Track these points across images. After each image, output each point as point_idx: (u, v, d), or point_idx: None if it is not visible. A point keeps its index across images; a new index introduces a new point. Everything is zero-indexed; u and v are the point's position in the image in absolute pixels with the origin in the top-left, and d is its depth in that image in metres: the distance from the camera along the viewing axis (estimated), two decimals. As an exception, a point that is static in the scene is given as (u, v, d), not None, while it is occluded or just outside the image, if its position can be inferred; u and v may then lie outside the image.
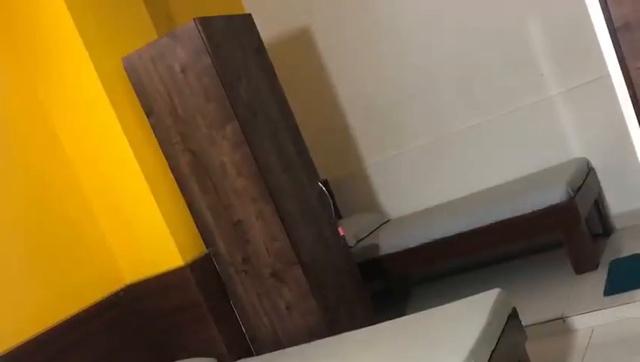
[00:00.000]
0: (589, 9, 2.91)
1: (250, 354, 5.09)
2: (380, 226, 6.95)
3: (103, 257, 5.03)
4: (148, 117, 4.93)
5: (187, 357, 4.95)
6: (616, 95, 2.93)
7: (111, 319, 4.88)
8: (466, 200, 6.56)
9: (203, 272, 4.99)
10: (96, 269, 4.96)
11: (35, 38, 4.89)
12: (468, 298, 4.19)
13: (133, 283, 5.10)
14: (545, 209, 5.57)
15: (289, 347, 4.84)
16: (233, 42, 4.86)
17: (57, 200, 4.87)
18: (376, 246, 6.31)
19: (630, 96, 2.87)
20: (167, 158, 4.97)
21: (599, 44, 2.95)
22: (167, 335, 5.07)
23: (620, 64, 2.87)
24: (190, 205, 5.01)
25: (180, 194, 5.01)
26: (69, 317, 4.62)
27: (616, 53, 2.87)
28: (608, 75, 3.00)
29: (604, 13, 2.86)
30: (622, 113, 2.91)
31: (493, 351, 3.63)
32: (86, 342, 4.64)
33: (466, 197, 6.69)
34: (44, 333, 4.43)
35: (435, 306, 4.32)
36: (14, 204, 4.59)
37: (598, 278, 5.36)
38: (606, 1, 2.83)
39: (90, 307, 4.78)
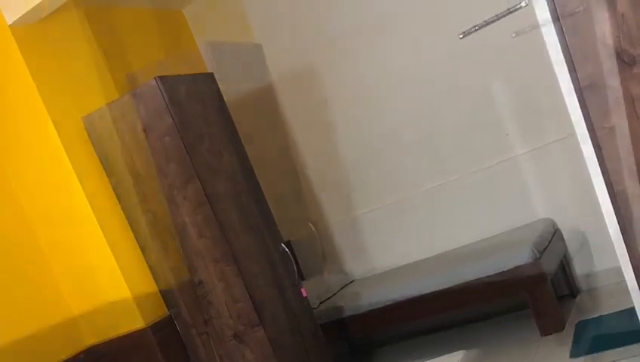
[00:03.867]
0: (555, 69, 2.92)
1: (211, 419, 5.01)
2: (344, 287, 6.90)
3: (62, 319, 4.94)
4: (109, 177, 4.88)
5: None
6: (581, 155, 2.93)
7: (71, 382, 4.80)
8: (431, 260, 6.54)
9: (165, 334, 4.92)
10: (56, 331, 4.87)
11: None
12: (432, 360, 4.15)
13: (93, 345, 5.00)
14: (510, 270, 5.55)
15: (251, 411, 4.79)
16: (196, 101, 4.83)
17: (16, 261, 4.78)
18: (340, 308, 6.26)
19: (596, 156, 2.87)
20: (127, 219, 4.92)
21: (564, 104, 2.96)
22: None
23: (586, 123, 2.88)
24: (151, 266, 4.95)
25: (142, 255, 4.95)
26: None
27: (582, 112, 2.87)
28: (573, 135, 3.01)
29: (570, 72, 2.87)
30: (587, 173, 2.90)
31: (458, 416, 3.60)
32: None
33: (431, 257, 6.67)
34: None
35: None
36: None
37: (564, 340, 5.33)
38: (572, 61, 2.83)
39: (51, 369, 4.70)
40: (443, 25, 6.19)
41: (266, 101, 7.16)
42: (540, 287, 5.48)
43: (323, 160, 7.06)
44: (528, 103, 6.12)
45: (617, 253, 3.02)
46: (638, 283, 3.03)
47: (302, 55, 6.89)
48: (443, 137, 6.53)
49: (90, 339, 5.03)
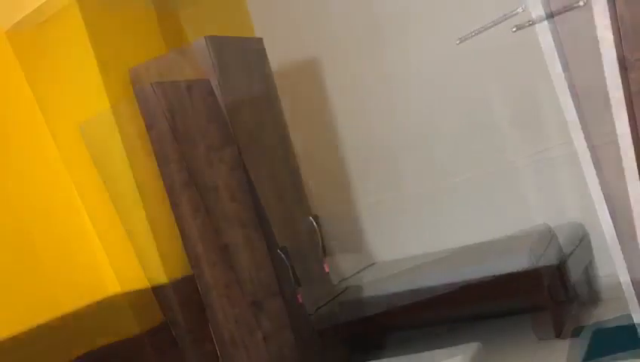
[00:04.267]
0: (552, 73, 2.94)
1: (222, 381, 5.07)
2: (366, 268, 6.92)
3: (90, 267, 5.00)
4: (148, 131, 4.92)
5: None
6: (580, 162, 2.95)
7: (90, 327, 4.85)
8: (428, 257, 6.52)
9: (185, 293, 4.96)
10: (81, 278, 4.92)
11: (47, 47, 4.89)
12: (448, 348, 4.19)
13: (117, 294, 5.07)
14: (507, 275, 5.50)
15: (262, 377, 4.84)
16: (242, 65, 4.86)
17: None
18: (358, 288, 6.26)
19: (594, 160, 2.89)
20: (162, 175, 4.95)
21: (563, 111, 2.97)
22: (144, 352, 5.03)
23: (583, 128, 2.90)
24: (180, 224, 4.98)
25: (171, 212, 5.00)
26: (48, 320, 4.58)
27: (579, 115, 2.89)
28: (572, 142, 3.02)
29: (567, 76, 2.89)
30: (586, 178, 2.92)
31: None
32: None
33: (429, 254, 6.66)
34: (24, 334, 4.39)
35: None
36: (7, 206, 4.57)
37: (561, 346, 5.32)
38: (568, 65, 2.85)
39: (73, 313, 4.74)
40: (443, 25, 6.18)
41: (314, 75, 7.19)
42: (537, 293, 5.48)
43: (359, 141, 7.09)
44: (529, 109, 6.10)
45: (614, 258, 3.04)
46: (634, 288, 3.04)
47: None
48: (443, 140, 6.54)
49: (114, 289, 5.09)
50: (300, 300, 5.31)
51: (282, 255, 5.17)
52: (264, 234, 4.72)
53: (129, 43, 5.00)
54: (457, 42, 4.15)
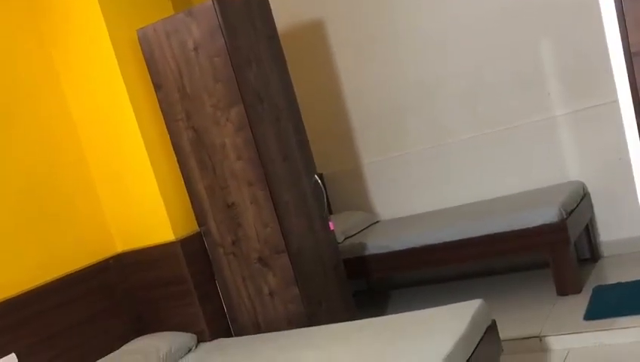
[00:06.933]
0: (607, 32, 2.90)
1: (229, 335, 5.15)
2: (370, 226, 6.99)
3: (97, 224, 5.09)
4: (156, 90, 4.98)
5: (167, 330, 5.01)
6: (621, 122, 2.93)
7: (98, 285, 4.94)
8: (458, 210, 6.58)
9: (193, 250, 5.04)
10: (89, 235, 5.01)
11: (53, 3, 4.93)
12: (450, 305, 4.23)
13: (123, 252, 5.17)
14: (535, 228, 5.57)
15: (267, 332, 4.90)
16: (248, 25, 4.89)
17: (59, 163, 4.91)
18: (363, 245, 6.34)
19: (638, 124, 2.85)
20: (170, 134, 5.01)
21: (611, 69, 2.95)
22: (151, 306, 5.13)
23: (632, 91, 2.86)
24: (187, 182, 5.05)
25: (179, 171, 5.06)
26: (57, 278, 4.67)
27: (629, 79, 2.85)
28: (615, 102, 3.00)
29: (622, 37, 2.84)
30: (625, 141, 2.90)
31: (468, 359, 3.68)
32: (71, 304, 4.69)
33: (459, 207, 6.72)
34: (32, 291, 4.48)
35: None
36: (16, 162, 4.62)
37: (580, 302, 5.38)
38: (626, 26, 2.81)
39: (80, 271, 4.83)
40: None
41: (318, 35, 7.20)
42: (562, 248, 5.52)
43: (364, 101, 7.10)
44: (574, 66, 6.11)
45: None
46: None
47: None
48: (484, 91, 6.55)
49: (121, 246, 5.19)
50: (332, 227, 5.39)
51: (318, 181, 5.30)
52: (270, 193, 4.77)
53: (137, 4, 5.03)
54: None
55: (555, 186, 6.21)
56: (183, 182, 5.07)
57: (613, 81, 2.84)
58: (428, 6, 6.61)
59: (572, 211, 5.66)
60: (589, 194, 6.21)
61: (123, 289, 5.09)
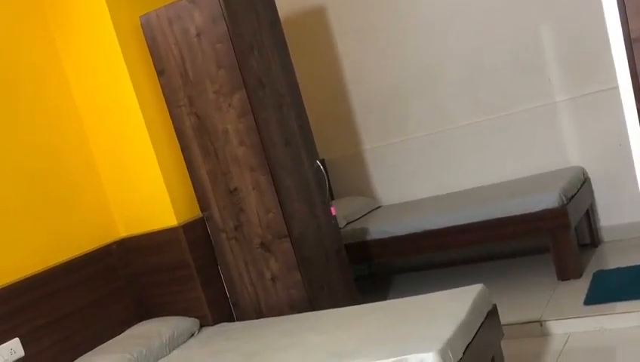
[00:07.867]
0: (607, 18, 2.91)
1: (231, 319, 5.16)
2: (371, 211, 7.02)
3: (99, 209, 5.10)
4: (159, 76, 4.99)
5: (170, 315, 5.03)
6: (621, 108, 2.94)
7: (101, 269, 4.95)
8: (459, 195, 6.62)
9: (195, 235, 5.06)
10: (92, 220, 5.02)
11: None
12: (451, 290, 4.25)
13: (127, 237, 5.18)
14: (536, 213, 5.61)
15: (269, 317, 4.93)
16: (250, 12, 4.90)
17: (62, 149, 4.92)
18: (365, 231, 6.37)
19: (638, 110, 2.86)
20: (172, 119, 5.03)
21: (611, 55, 2.96)
22: (153, 291, 5.15)
23: (632, 77, 2.87)
24: (190, 168, 5.07)
25: (181, 156, 5.08)
26: (60, 263, 4.68)
27: (629, 65, 2.86)
28: (615, 88, 3.01)
29: (622, 23, 2.85)
30: (625, 127, 2.91)
31: (469, 344, 3.70)
32: (74, 289, 4.70)
33: (460, 192, 6.75)
34: (35, 276, 4.49)
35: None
36: (19, 145, 4.63)
37: (580, 287, 5.41)
38: (626, 12, 2.82)
39: (83, 256, 4.84)
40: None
41: (321, 21, 7.21)
42: (562, 233, 5.55)
43: (365, 87, 7.12)
44: (575, 51, 6.13)
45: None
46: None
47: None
48: (485, 76, 6.57)
49: (125, 231, 5.20)
50: (334, 212, 5.41)
51: (320, 166, 5.31)
52: (272, 178, 4.79)
53: (140, -10, 5.06)
54: None
55: (556, 172, 6.23)
56: (185, 168, 5.09)
57: (614, 67, 2.84)
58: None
59: (572, 196, 5.69)
60: (590, 180, 6.23)
61: (126, 274, 5.11)
